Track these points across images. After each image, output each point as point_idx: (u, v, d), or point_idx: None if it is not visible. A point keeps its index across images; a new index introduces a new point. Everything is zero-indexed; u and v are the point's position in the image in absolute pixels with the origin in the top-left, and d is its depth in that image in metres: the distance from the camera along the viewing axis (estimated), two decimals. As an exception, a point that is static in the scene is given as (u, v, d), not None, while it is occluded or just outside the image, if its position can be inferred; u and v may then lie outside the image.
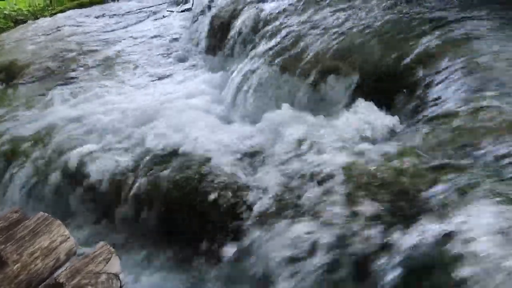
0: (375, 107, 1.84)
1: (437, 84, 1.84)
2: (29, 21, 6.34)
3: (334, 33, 2.42)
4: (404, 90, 1.91)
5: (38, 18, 8.61)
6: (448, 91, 1.76)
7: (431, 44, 2.04)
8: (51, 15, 5.47)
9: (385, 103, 1.90)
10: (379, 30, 2.30)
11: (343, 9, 2.60)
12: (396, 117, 1.76)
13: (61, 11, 5.36)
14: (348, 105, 2.01)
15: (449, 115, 1.62)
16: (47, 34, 4.37)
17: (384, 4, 2.55)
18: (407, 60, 2.01)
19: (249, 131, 2.01)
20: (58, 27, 4.60)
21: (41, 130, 2.50)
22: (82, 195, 1.90)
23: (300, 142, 1.73)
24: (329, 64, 2.23)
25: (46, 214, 0.93)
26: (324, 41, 2.39)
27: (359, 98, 1.92)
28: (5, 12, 8.96)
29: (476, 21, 2.11)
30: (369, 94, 1.98)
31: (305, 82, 2.20)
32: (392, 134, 1.69)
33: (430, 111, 1.73)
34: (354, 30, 2.37)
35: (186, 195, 1.66)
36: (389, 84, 1.99)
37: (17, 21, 8.81)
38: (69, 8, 5.41)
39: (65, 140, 2.32)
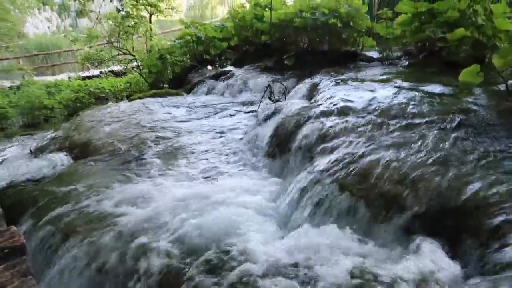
0: (438, 247, 1.74)
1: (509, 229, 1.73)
2: (109, 102, 7.04)
3: (396, 156, 2.41)
4: (472, 231, 1.81)
5: (117, 98, 9.59)
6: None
7: (502, 184, 1.96)
8: (130, 100, 6.05)
9: (450, 243, 1.80)
10: (446, 160, 2.26)
11: (406, 135, 2.63)
12: (463, 263, 1.65)
13: (139, 98, 5.92)
14: (408, 237, 1.94)
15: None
16: (124, 118, 4.79)
17: (451, 134, 2.55)
18: (476, 197, 1.93)
19: (301, 248, 1.96)
20: (135, 111, 5.05)
21: (101, 211, 2.62)
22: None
23: (353, 273, 1.65)
24: (390, 189, 2.19)
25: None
26: (385, 163, 2.38)
27: (422, 234, 1.84)
28: (90, 89, 10.10)
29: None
30: (432, 228, 1.90)
31: (364, 205, 2.16)
32: (457, 283, 1.57)
33: (501, 260, 1.61)
34: (417, 157, 2.36)
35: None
36: (455, 220, 1.90)
37: (99, 98, 9.88)
38: (146, 96, 5.98)
39: (119, 226, 2.39)
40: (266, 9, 6.99)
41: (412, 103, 3.09)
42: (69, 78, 13.74)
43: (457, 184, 2.04)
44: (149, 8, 10.01)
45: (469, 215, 1.88)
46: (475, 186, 1.98)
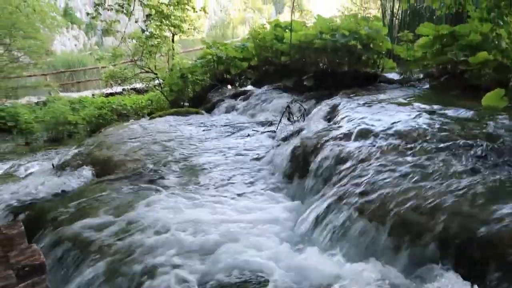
0: (462, 279, 1.69)
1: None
2: (131, 119, 7.18)
3: (416, 182, 2.37)
4: (499, 263, 1.75)
5: (138, 115, 9.77)
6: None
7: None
8: (151, 117, 6.16)
9: (475, 274, 1.74)
10: (470, 188, 2.20)
11: (427, 161, 2.58)
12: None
13: (160, 116, 6.02)
14: (429, 266, 1.88)
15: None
16: (144, 135, 4.87)
17: (475, 160, 2.49)
18: (503, 227, 1.86)
19: (319, 274, 1.94)
20: (155, 129, 5.13)
21: (119, 229, 2.63)
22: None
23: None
24: (410, 217, 2.13)
25: None
26: (405, 189, 2.33)
27: (445, 264, 1.78)
28: (113, 106, 10.32)
29: None
30: (456, 259, 1.83)
31: (383, 232, 2.12)
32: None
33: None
34: (438, 183, 2.31)
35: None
36: (480, 251, 1.84)
37: (121, 115, 10.08)
38: (167, 114, 6.08)
39: (136, 245, 2.40)
40: (286, 30, 7.09)
41: (433, 127, 3.05)
42: (93, 95, 14.12)
43: (481, 213, 1.98)
44: (172, 28, 10.26)
45: (495, 246, 1.82)
46: (501, 216, 1.91)
